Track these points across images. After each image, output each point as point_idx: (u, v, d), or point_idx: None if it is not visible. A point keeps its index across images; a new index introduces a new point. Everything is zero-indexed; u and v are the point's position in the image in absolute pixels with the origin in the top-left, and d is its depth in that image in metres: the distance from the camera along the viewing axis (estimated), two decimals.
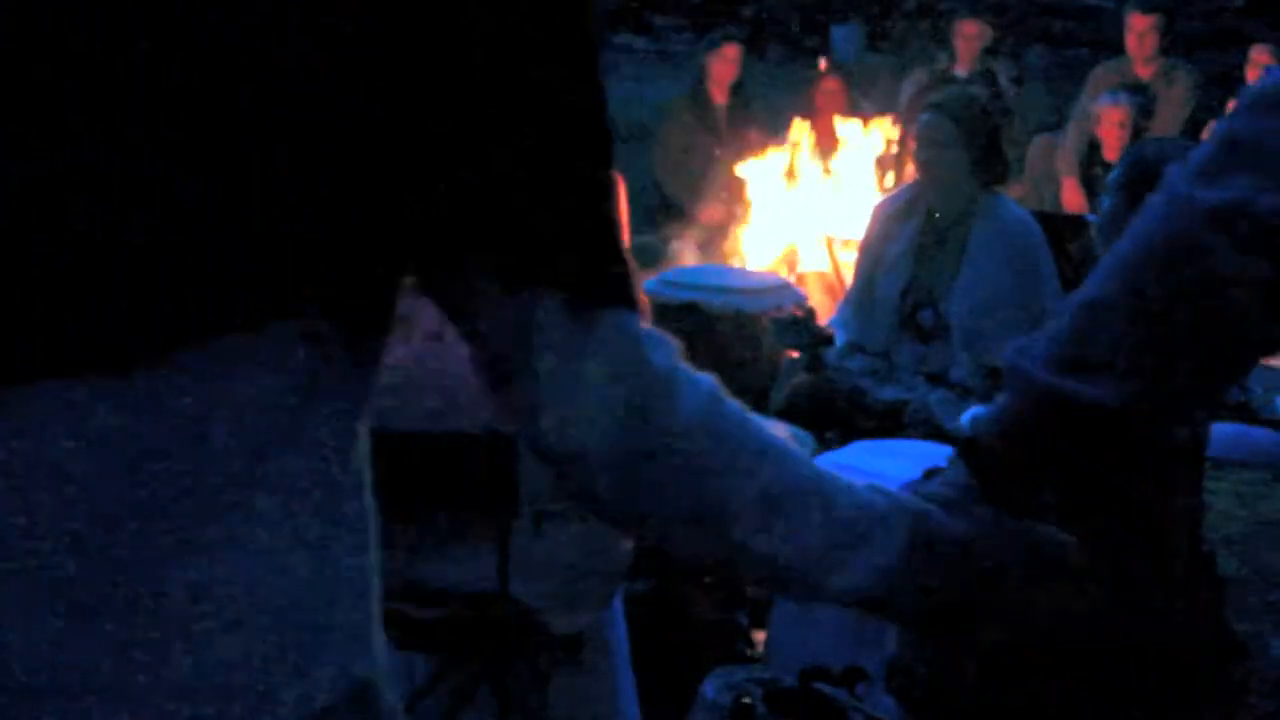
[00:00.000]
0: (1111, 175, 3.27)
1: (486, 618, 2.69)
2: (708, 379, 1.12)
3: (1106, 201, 3.22)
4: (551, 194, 1.01)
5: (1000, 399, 1.33)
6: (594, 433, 1.06)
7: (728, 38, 8.37)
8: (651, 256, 7.61)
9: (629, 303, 1.06)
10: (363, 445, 1.06)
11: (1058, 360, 1.29)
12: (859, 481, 1.18)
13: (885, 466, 3.47)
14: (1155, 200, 1.30)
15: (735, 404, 1.13)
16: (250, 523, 0.97)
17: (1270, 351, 1.31)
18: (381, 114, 0.95)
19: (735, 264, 6.64)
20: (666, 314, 5.77)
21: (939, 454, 3.38)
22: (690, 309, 5.56)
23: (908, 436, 4.31)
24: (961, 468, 1.31)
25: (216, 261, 0.93)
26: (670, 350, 1.10)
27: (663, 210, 7.93)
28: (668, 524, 1.12)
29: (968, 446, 1.32)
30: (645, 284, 6.02)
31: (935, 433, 4.23)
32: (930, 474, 3.59)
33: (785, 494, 1.13)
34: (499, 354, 1.06)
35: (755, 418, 1.14)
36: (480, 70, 0.98)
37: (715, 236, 7.17)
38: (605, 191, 1.05)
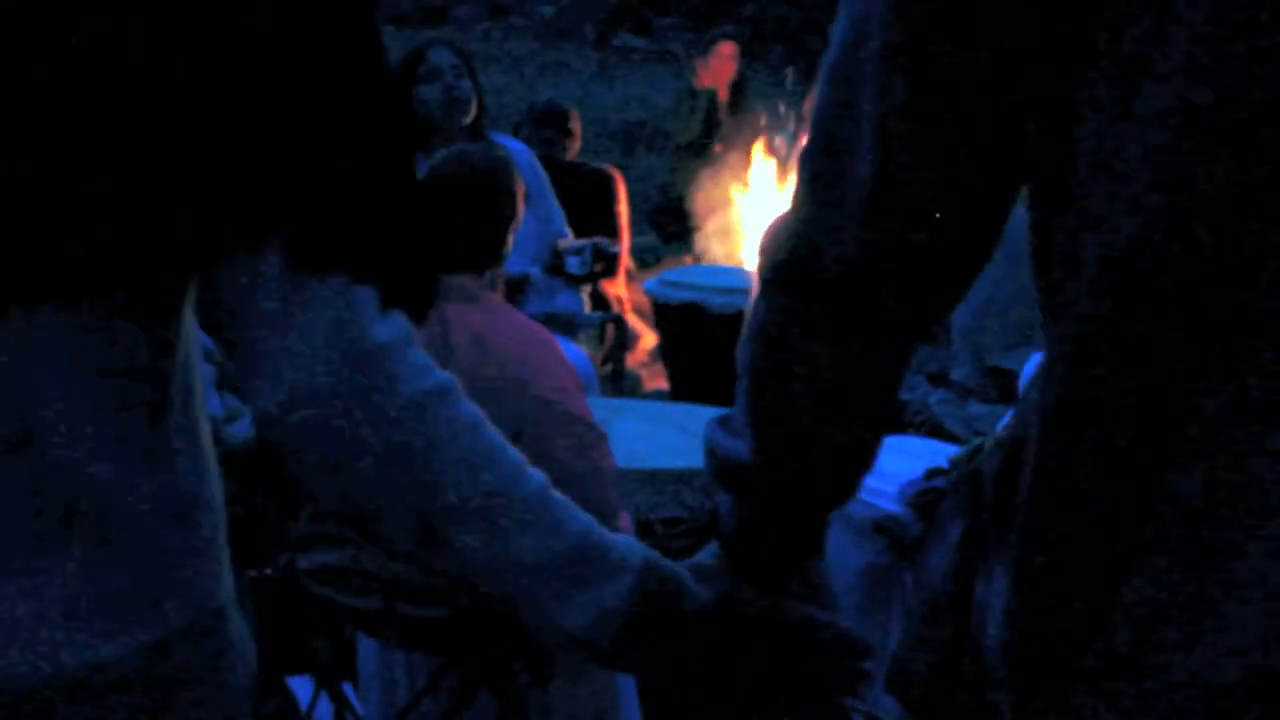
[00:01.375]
0: None
1: (486, 618, 2.69)
2: (445, 375, 1.12)
3: None
4: (293, 162, 1.05)
5: None
6: (309, 398, 1.07)
7: (722, 37, 8.37)
8: (652, 256, 7.62)
9: (358, 275, 1.08)
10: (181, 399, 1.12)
11: (737, 423, 1.26)
12: (609, 532, 1.16)
13: (886, 464, 3.46)
14: None
15: (471, 408, 1.12)
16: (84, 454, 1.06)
17: (879, 396, 1.22)
18: (163, 103, 1.01)
19: (735, 264, 6.63)
20: (667, 314, 5.77)
21: (940, 452, 3.38)
22: (690, 309, 5.56)
23: (908, 436, 4.30)
24: (714, 546, 1.31)
25: (24, 242, 1.01)
26: (399, 332, 1.11)
27: (663, 210, 7.93)
28: (381, 512, 1.11)
29: (710, 519, 1.31)
30: (645, 284, 6.01)
31: (936, 432, 4.22)
32: (931, 474, 3.57)
33: (512, 505, 1.11)
34: (228, 315, 1.09)
35: (495, 432, 1.13)
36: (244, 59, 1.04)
37: (715, 236, 7.16)
38: (345, 167, 1.07)
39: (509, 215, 3.19)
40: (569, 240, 4.78)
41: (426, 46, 4.62)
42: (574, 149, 6.17)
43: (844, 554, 3.50)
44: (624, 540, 1.17)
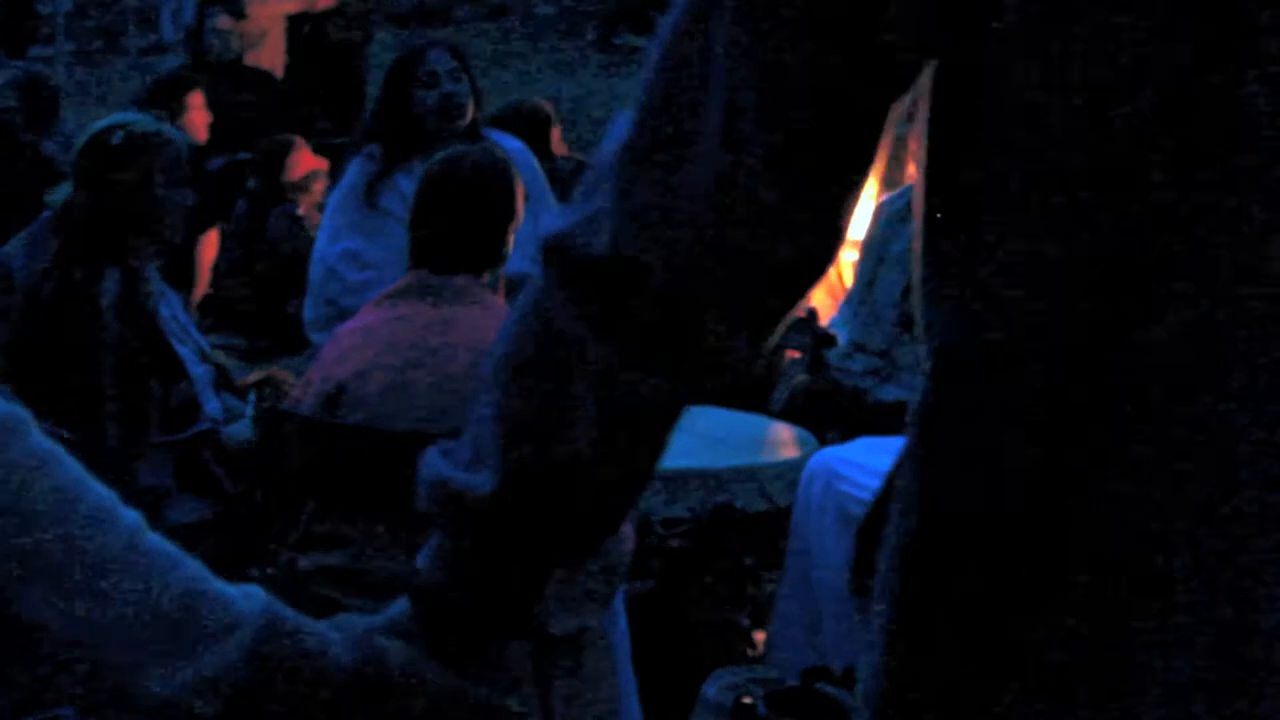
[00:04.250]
0: None
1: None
2: (11, 416, 0.99)
3: None
4: None
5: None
6: None
7: None
8: None
9: None
10: None
11: (468, 454, 1.09)
12: (224, 584, 1.02)
13: (888, 463, 3.46)
14: None
15: (41, 444, 0.99)
16: None
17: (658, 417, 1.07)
18: None
19: None
20: None
21: None
22: None
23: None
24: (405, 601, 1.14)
25: None
26: None
27: None
28: None
29: (411, 578, 1.14)
30: None
31: None
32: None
33: (82, 562, 0.97)
34: None
35: (73, 472, 0.99)
36: None
37: None
38: None
39: (509, 215, 3.18)
40: None
41: (424, 49, 4.60)
42: (555, 141, 6.15)
43: (844, 554, 3.49)
44: (241, 595, 1.03)
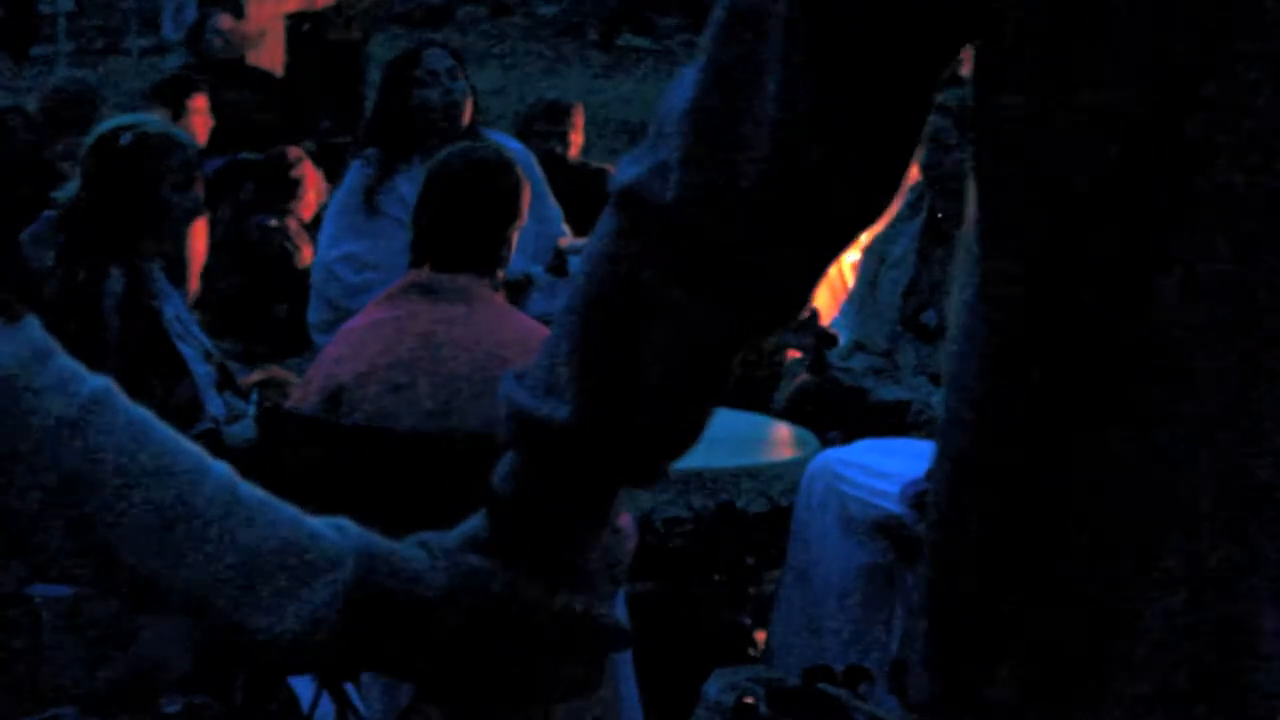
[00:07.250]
0: None
1: None
2: (96, 382, 1.04)
3: None
4: None
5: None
6: None
7: None
8: None
9: None
10: None
11: (542, 382, 1.15)
12: (316, 520, 1.08)
13: (889, 465, 3.47)
14: None
15: (136, 410, 1.05)
16: None
17: (724, 359, 1.16)
18: None
19: None
20: None
21: None
22: None
23: (911, 436, 4.30)
24: (482, 517, 1.19)
25: None
26: (28, 349, 1.02)
27: None
28: (49, 543, 1.02)
29: (488, 494, 1.19)
30: None
31: None
32: (932, 474, 3.56)
33: (189, 516, 1.02)
34: None
35: (166, 432, 1.05)
36: None
37: None
38: None
39: (513, 214, 3.18)
40: (570, 240, 4.78)
41: (420, 49, 4.61)
42: (577, 145, 6.15)
43: (845, 554, 3.50)
44: (335, 531, 1.09)
